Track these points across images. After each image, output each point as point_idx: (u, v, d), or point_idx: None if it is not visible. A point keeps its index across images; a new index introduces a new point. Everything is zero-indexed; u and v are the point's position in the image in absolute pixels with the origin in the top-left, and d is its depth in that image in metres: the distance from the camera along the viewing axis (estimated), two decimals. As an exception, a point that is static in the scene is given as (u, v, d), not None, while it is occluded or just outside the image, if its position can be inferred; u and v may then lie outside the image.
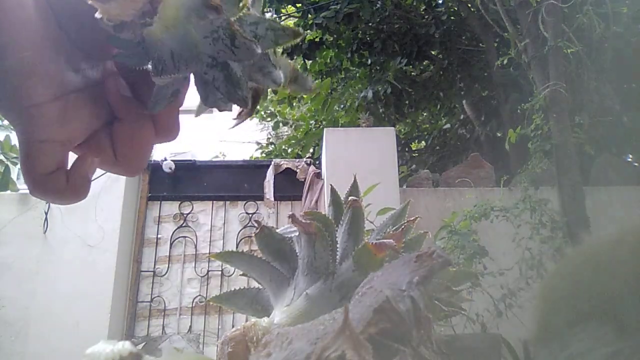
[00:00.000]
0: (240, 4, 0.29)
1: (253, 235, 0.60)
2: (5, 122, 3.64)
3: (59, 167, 0.30)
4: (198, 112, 0.34)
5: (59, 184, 0.30)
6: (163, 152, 4.07)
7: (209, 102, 0.31)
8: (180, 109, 0.34)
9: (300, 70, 0.34)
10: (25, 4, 0.27)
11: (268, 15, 4.65)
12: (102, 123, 0.32)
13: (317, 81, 5.12)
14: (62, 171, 0.30)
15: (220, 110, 0.33)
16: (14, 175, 3.53)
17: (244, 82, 0.31)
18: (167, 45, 0.28)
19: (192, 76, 0.32)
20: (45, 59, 0.28)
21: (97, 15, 0.26)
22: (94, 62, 0.31)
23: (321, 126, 5.44)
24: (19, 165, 3.53)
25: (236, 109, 0.35)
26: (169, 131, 0.33)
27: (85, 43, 0.30)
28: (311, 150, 5.47)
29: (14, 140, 3.66)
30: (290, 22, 5.17)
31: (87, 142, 0.31)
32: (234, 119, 0.35)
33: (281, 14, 4.87)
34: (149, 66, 0.29)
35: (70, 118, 0.29)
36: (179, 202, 3.61)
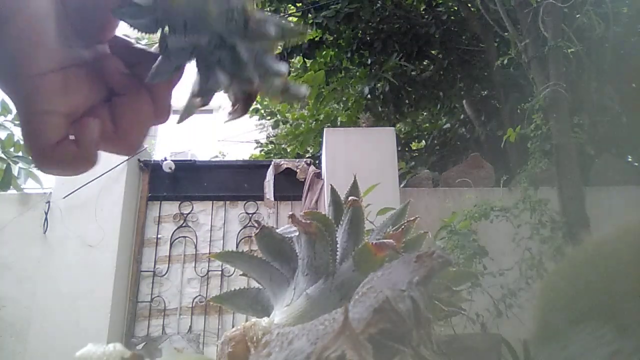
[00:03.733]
0: None
1: (253, 235, 0.60)
2: (7, 120, 3.64)
3: (64, 138, 0.30)
4: (197, 96, 0.34)
5: (70, 152, 0.30)
6: (163, 152, 4.06)
7: (209, 83, 0.32)
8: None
9: (291, 80, 0.34)
10: None
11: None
12: (100, 99, 0.32)
13: (309, 72, 5.09)
14: (69, 140, 0.30)
15: (213, 93, 0.33)
16: (15, 174, 3.53)
17: (251, 65, 0.31)
18: (181, 14, 0.29)
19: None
20: (51, 30, 0.28)
21: None
22: (88, 42, 0.31)
23: (320, 124, 5.43)
24: (19, 164, 3.53)
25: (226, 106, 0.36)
26: (163, 111, 0.34)
27: (84, 21, 0.30)
28: (310, 148, 5.47)
29: (17, 137, 3.65)
30: (292, 20, 5.17)
31: (87, 116, 0.31)
32: (229, 114, 0.35)
33: (281, 14, 4.87)
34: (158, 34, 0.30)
35: (71, 90, 0.30)
36: (179, 202, 3.61)
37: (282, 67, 0.33)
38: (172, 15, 0.29)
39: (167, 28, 0.30)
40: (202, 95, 0.33)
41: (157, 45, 0.32)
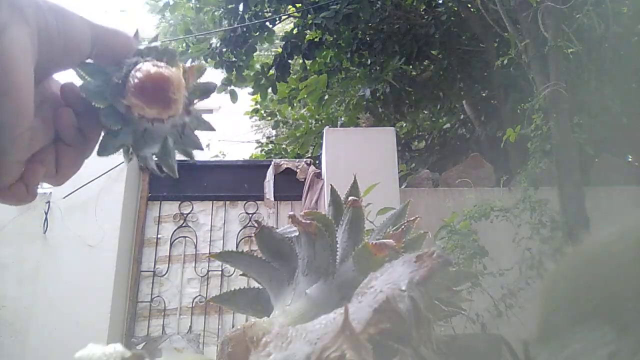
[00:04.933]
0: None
1: (253, 235, 0.60)
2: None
3: (16, 180, 0.35)
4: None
5: (21, 193, 0.36)
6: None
7: (140, 153, 0.38)
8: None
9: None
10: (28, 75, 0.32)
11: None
12: (48, 141, 0.37)
13: (313, 76, 5.11)
14: (21, 182, 0.36)
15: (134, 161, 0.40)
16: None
17: (174, 154, 0.39)
18: (143, 125, 0.36)
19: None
20: (31, 101, 0.33)
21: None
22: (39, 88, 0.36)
23: (320, 125, 5.44)
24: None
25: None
26: (91, 151, 0.40)
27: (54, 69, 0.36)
28: (310, 149, 5.47)
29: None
30: (291, 22, 5.17)
31: (35, 157, 0.36)
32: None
33: (281, 14, 4.87)
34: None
35: (33, 141, 0.35)
36: (179, 202, 3.61)
37: (190, 153, 0.42)
38: (136, 124, 0.36)
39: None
40: (138, 159, 0.39)
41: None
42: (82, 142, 0.38)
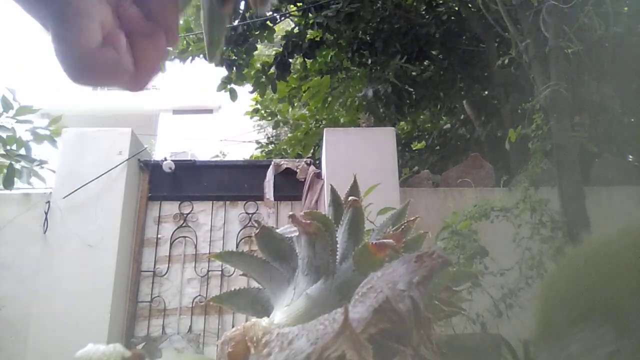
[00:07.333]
0: None
1: (253, 235, 0.60)
2: (9, 116, 3.61)
3: (102, 45, 0.30)
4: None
5: (111, 57, 0.30)
6: (163, 152, 4.06)
7: None
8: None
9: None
10: None
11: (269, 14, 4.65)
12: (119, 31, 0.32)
13: (316, 78, 5.10)
14: (109, 47, 0.30)
15: None
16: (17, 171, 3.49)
17: None
18: None
19: None
20: None
21: None
22: None
23: (321, 125, 5.43)
24: (22, 163, 3.51)
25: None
26: (175, 37, 0.34)
27: None
28: (312, 150, 5.47)
29: (19, 133, 3.62)
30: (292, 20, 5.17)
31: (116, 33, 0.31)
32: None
33: (282, 13, 4.87)
34: None
35: (104, 5, 0.30)
36: (179, 202, 3.61)
37: None
38: None
39: None
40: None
41: None
42: (154, 30, 0.33)
